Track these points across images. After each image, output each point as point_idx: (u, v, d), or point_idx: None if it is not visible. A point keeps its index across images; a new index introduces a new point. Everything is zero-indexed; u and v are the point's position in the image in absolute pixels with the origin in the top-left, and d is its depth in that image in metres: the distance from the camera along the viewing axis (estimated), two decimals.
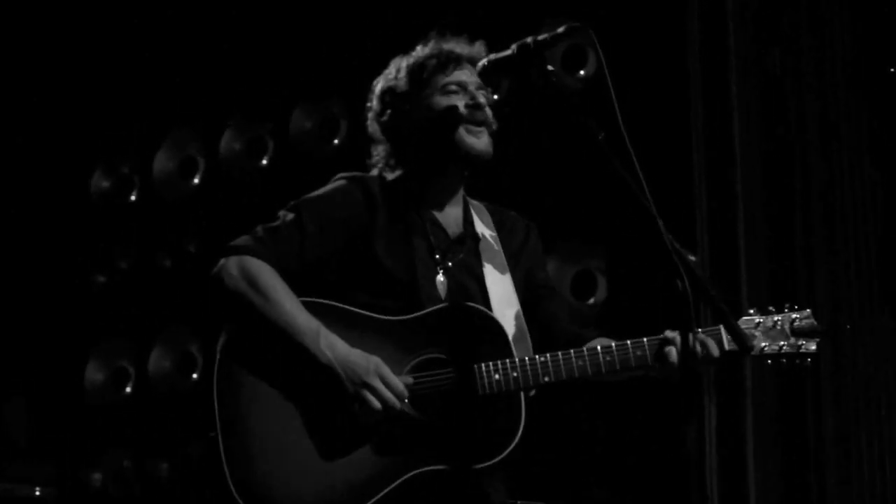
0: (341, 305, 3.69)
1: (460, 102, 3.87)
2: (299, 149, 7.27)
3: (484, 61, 3.62)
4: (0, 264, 8.11)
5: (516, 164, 6.34)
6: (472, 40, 3.98)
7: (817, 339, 3.70)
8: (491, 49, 3.66)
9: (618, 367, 3.68)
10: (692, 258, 3.41)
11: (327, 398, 3.58)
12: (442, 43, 3.96)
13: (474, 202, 4.07)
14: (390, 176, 3.94)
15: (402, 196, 3.88)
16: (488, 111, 3.92)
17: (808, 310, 3.75)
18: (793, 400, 5.72)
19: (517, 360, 3.63)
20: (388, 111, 3.95)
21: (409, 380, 3.60)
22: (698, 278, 3.17)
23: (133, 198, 8.07)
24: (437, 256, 3.83)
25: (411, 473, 3.52)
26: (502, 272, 3.90)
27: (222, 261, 3.70)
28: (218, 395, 3.60)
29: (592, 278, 6.20)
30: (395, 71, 3.97)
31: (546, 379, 3.63)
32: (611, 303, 6.10)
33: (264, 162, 7.46)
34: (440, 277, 3.80)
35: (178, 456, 7.50)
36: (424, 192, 3.92)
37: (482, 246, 3.92)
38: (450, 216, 3.94)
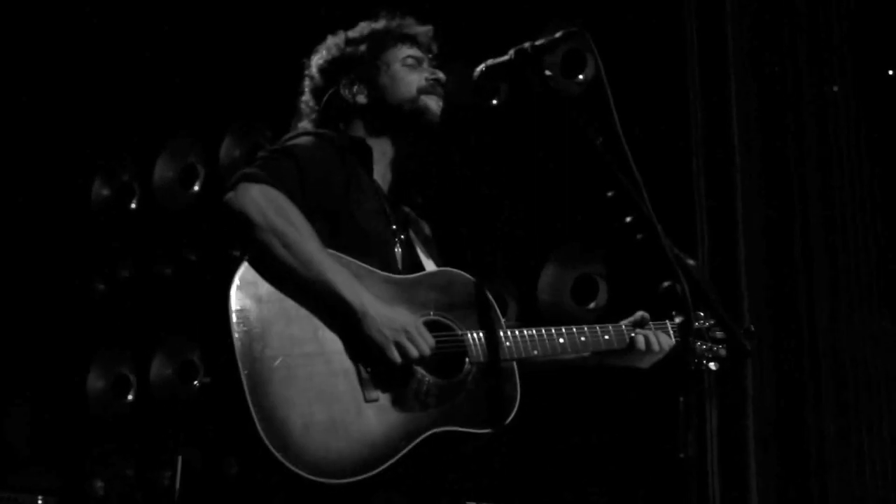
0: (347, 258, 3.58)
1: (421, 75, 3.96)
2: None
3: (482, 66, 3.63)
4: (1, 272, 8.11)
5: (515, 168, 6.35)
6: (421, 22, 4.06)
7: (724, 346, 3.97)
8: (485, 55, 3.67)
9: (602, 346, 3.84)
10: (691, 262, 3.42)
11: (354, 344, 3.47)
12: (399, 19, 4.04)
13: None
14: (340, 141, 3.86)
15: (360, 161, 3.87)
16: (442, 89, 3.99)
17: (713, 319, 3.97)
18: (794, 403, 5.72)
19: (509, 330, 3.71)
20: (342, 79, 3.96)
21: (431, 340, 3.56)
22: (697, 283, 3.18)
23: (133, 206, 8.07)
24: (394, 227, 3.87)
25: (429, 432, 3.49)
26: (427, 257, 3.93)
27: (240, 186, 3.50)
28: (237, 333, 3.35)
29: (593, 283, 6.21)
30: (345, 41, 4.01)
31: (535, 352, 3.72)
32: (611, 308, 6.09)
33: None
34: (397, 249, 3.83)
35: (180, 464, 7.50)
36: (375, 161, 3.93)
37: (410, 225, 3.99)
38: (392, 191, 3.99)
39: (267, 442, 3.29)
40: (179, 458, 6.77)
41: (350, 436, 3.39)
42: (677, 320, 3.88)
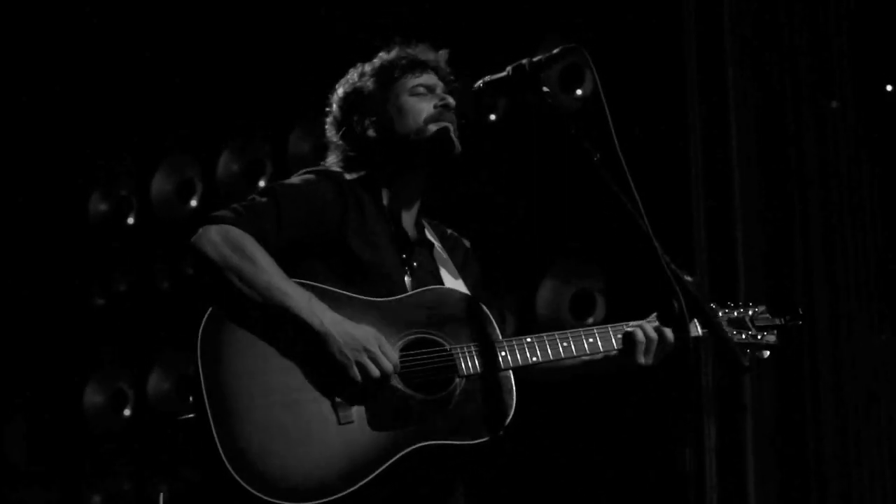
0: (324, 286, 3.59)
1: (429, 103, 3.88)
2: (297, 170, 7.27)
3: (480, 82, 3.63)
4: (0, 286, 8.12)
5: (513, 183, 6.36)
6: (436, 48, 4.01)
7: (775, 332, 3.81)
8: (484, 67, 3.67)
9: (600, 348, 3.75)
10: (689, 278, 3.42)
11: (320, 366, 3.47)
12: (407, 48, 3.98)
13: (424, 217, 4.06)
14: (350, 175, 3.88)
15: (367, 195, 3.85)
16: (454, 116, 3.91)
17: (763, 305, 3.85)
18: (793, 416, 5.71)
19: (504, 340, 3.66)
20: (355, 113, 3.94)
21: (397, 354, 3.55)
22: (695, 298, 3.18)
23: (131, 220, 8.08)
24: (404, 256, 3.83)
25: (411, 448, 3.47)
26: (455, 277, 3.91)
27: (201, 230, 3.56)
28: (203, 371, 3.46)
29: (591, 298, 6.21)
30: (359, 75, 3.98)
31: (534, 359, 3.67)
32: (609, 323, 6.09)
33: (262, 184, 7.47)
34: (407, 277, 3.78)
35: (178, 479, 7.49)
36: (388, 192, 3.91)
37: (434, 253, 3.94)
38: (408, 220, 3.93)
39: (233, 472, 3.34)
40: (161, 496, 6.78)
41: (324, 458, 3.40)
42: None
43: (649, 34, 6.06)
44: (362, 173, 3.89)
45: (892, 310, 5.77)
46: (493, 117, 6.46)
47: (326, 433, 3.42)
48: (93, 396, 7.90)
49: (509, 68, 3.48)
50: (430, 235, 3.99)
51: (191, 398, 3.52)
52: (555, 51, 3.40)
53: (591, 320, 6.19)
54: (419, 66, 3.93)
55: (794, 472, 5.70)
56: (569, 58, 3.42)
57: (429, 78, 3.93)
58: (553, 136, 3.45)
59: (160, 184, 7.86)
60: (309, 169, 3.90)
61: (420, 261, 3.86)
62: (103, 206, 8.17)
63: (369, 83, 3.93)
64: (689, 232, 5.78)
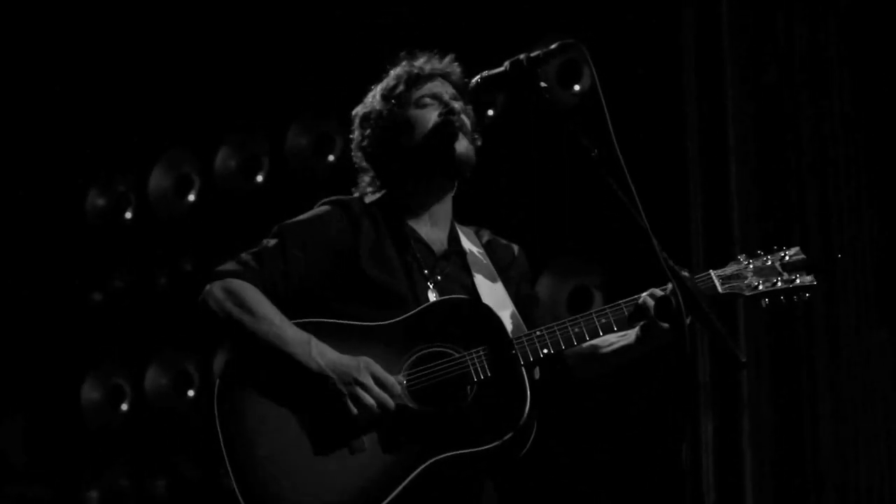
0: (329, 320, 3.70)
1: (434, 112, 3.87)
2: (295, 166, 7.28)
3: (477, 78, 3.62)
4: None
5: (511, 179, 6.36)
6: (442, 55, 4.00)
7: (809, 272, 3.67)
8: (483, 65, 3.66)
9: (614, 328, 3.65)
10: (686, 274, 3.42)
11: (325, 405, 3.57)
12: (412, 61, 3.98)
13: (462, 226, 4.06)
14: (371, 198, 3.95)
15: (386, 215, 3.89)
16: (465, 118, 3.89)
17: (796, 247, 3.73)
18: (790, 413, 5.71)
19: (513, 338, 3.63)
20: (368, 135, 3.97)
21: (402, 378, 3.60)
22: (692, 294, 3.17)
23: (129, 216, 8.07)
24: (426, 272, 3.83)
25: (425, 465, 3.49)
26: (493, 281, 3.90)
27: (207, 287, 3.72)
28: (220, 422, 3.62)
29: (588, 294, 6.21)
30: (371, 97, 4.00)
31: (546, 351, 3.61)
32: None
33: (259, 179, 7.47)
34: (431, 294, 3.79)
35: (176, 474, 7.49)
36: (408, 209, 3.92)
37: (470, 259, 3.92)
38: (433, 234, 3.93)
39: None
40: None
41: (342, 490, 3.51)
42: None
43: (648, 31, 6.06)
44: (382, 194, 3.95)
45: (889, 307, 5.77)
46: (490, 113, 6.45)
47: (342, 466, 3.53)
48: (90, 392, 7.89)
49: (507, 63, 3.47)
50: (466, 242, 3.97)
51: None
52: (552, 46, 3.40)
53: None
54: (423, 77, 3.92)
55: (791, 469, 5.70)
56: (567, 53, 3.41)
57: (434, 86, 3.92)
58: (551, 132, 3.45)
59: (158, 179, 7.86)
60: (326, 200, 3.94)
61: (448, 272, 3.86)
62: (101, 202, 8.16)
63: (378, 103, 3.95)
64: (686, 228, 5.78)
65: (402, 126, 3.88)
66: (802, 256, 3.70)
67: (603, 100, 3.23)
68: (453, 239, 3.96)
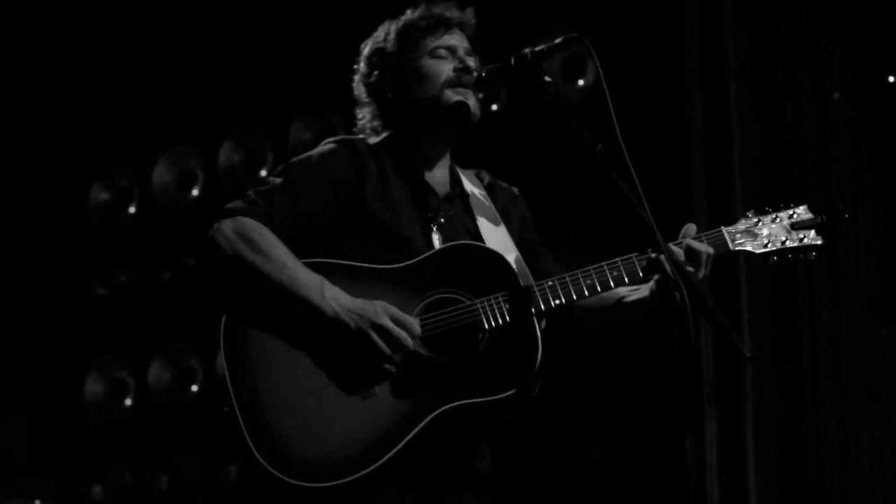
0: (340, 261, 3.61)
1: (448, 66, 3.81)
2: None
3: (482, 71, 3.61)
4: (0, 277, 8.12)
5: (514, 173, 6.35)
6: (462, 6, 3.96)
7: (816, 231, 3.70)
8: (486, 62, 3.66)
9: (626, 280, 3.60)
10: (691, 269, 3.41)
11: (339, 350, 3.49)
12: (432, 7, 3.91)
13: (463, 169, 4.01)
14: (374, 139, 3.88)
15: (389, 157, 3.83)
16: (475, 76, 3.82)
17: (804, 205, 3.74)
18: (793, 409, 5.71)
19: (524, 287, 3.58)
20: (376, 72, 3.90)
21: (417, 321, 3.52)
22: (697, 290, 3.17)
23: (132, 210, 8.07)
24: (430, 215, 3.78)
25: (437, 412, 3.43)
26: (496, 224, 3.86)
27: (215, 224, 3.60)
28: (228, 367, 3.49)
29: None
30: (384, 33, 3.93)
31: (557, 302, 3.57)
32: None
33: (263, 174, 7.47)
34: (435, 235, 3.73)
35: (179, 469, 7.50)
36: (411, 153, 3.87)
37: (472, 202, 3.88)
38: (436, 177, 3.88)
39: (268, 467, 3.39)
40: None
41: (353, 435, 3.42)
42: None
43: (652, 27, 6.05)
44: (385, 135, 3.88)
45: (892, 304, 5.77)
46: (494, 107, 6.45)
47: (352, 411, 3.44)
48: (94, 387, 7.90)
49: (511, 57, 3.47)
50: (468, 184, 3.92)
51: (220, 395, 3.55)
52: (557, 40, 3.40)
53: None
54: (441, 26, 3.86)
55: (794, 464, 5.70)
56: (571, 47, 3.41)
57: (450, 38, 3.86)
58: (555, 127, 3.44)
59: (161, 174, 7.86)
60: (331, 139, 3.87)
61: (451, 215, 3.80)
62: (104, 197, 8.16)
63: (391, 43, 3.88)
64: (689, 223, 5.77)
65: (413, 73, 3.83)
66: (810, 215, 3.71)
67: (607, 93, 3.23)
68: (455, 181, 3.91)
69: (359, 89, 3.97)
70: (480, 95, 3.85)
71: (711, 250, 3.63)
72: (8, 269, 8.12)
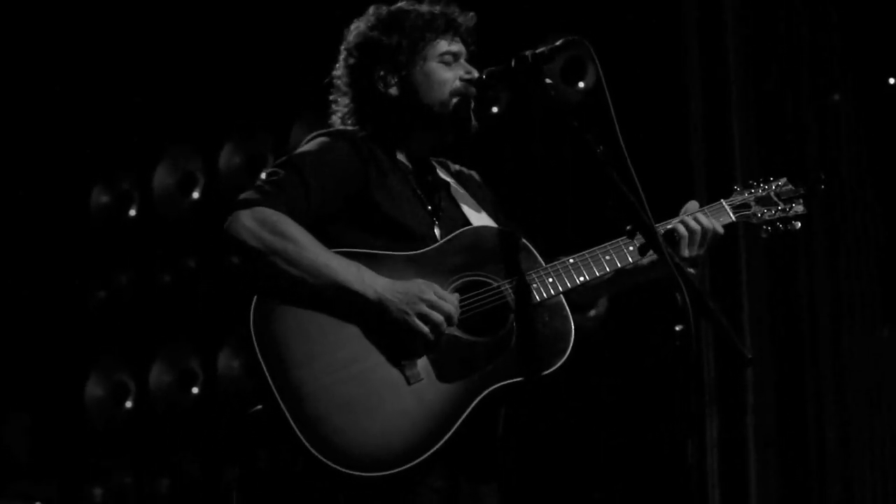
0: (361, 250, 3.51)
1: (454, 73, 3.75)
2: None
3: (482, 73, 3.61)
4: (1, 279, 8.11)
5: (514, 175, 6.36)
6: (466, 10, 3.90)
7: (802, 201, 3.84)
8: (489, 62, 3.66)
9: (637, 255, 3.63)
10: (692, 271, 3.41)
11: (382, 334, 3.41)
12: (443, 7, 3.81)
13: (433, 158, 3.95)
14: (363, 132, 3.76)
15: (381, 149, 3.74)
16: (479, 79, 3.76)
17: (784, 177, 3.86)
18: (794, 410, 5.72)
19: (548, 266, 3.60)
20: (376, 67, 3.78)
21: (456, 297, 3.48)
22: (697, 291, 3.17)
23: (133, 213, 8.07)
24: (429, 207, 3.73)
25: (484, 394, 3.40)
26: (478, 211, 3.83)
27: (232, 216, 3.44)
28: (266, 362, 3.33)
29: None
30: (384, 25, 3.79)
31: (582, 279, 3.59)
32: (611, 314, 6.08)
33: (264, 177, 7.45)
34: (437, 229, 3.68)
35: (179, 472, 7.50)
36: (397, 145, 3.79)
37: (451, 191, 3.84)
38: (422, 168, 3.83)
39: (321, 457, 3.29)
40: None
41: (403, 422, 3.36)
42: (678, 328, 3.79)
43: (651, 29, 6.05)
44: (375, 128, 3.79)
45: (893, 305, 5.77)
46: (495, 109, 6.45)
47: (399, 397, 3.37)
48: (94, 389, 7.90)
49: (512, 59, 3.47)
50: (442, 174, 3.89)
51: (256, 391, 3.44)
52: (558, 42, 3.40)
53: (592, 313, 6.17)
54: (452, 30, 3.77)
55: (795, 465, 5.71)
56: (572, 49, 3.41)
57: (456, 45, 3.78)
58: (555, 129, 3.43)
59: (162, 177, 7.86)
60: (320, 132, 3.78)
61: (444, 206, 3.77)
62: (105, 199, 8.16)
63: (396, 37, 3.75)
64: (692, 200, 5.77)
65: (421, 76, 3.75)
66: (791, 186, 3.84)
67: (609, 96, 3.23)
68: (434, 172, 3.87)
69: (343, 77, 3.87)
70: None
71: (719, 227, 3.71)
72: (9, 271, 8.12)
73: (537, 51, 3.43)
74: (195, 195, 7.77)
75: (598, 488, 6.02)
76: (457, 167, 4.00)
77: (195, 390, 7.54)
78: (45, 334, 7.99)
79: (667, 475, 5.68)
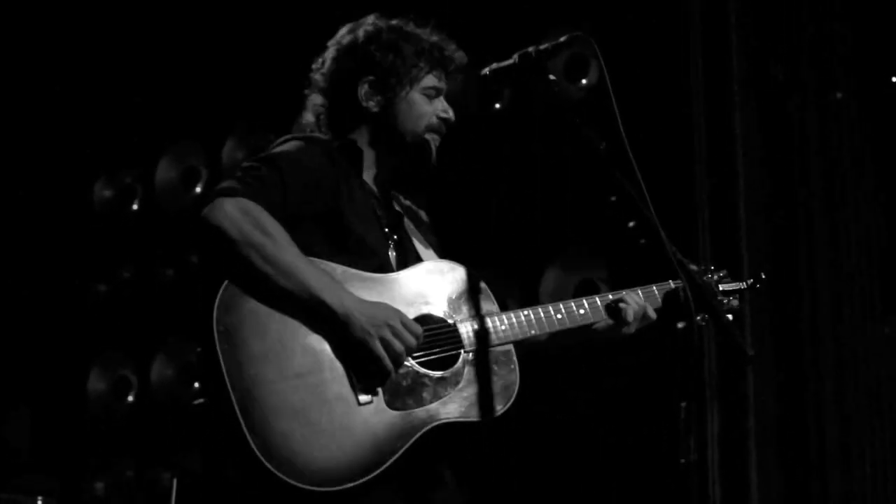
0: (331, 263, 3.51)
1: (433, 108, 3.85)
2: None
3: (486, 70, 3.62)
4: (2, 274, 8.12)
5: (518, 172, 6.36)
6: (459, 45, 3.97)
7: (737, 297, 3.98)
8: (493, 58, 3.67)
9: (591, 318, 3.81)
10: (694, 268, 3.43)
11: (343, 347, 3.40)
12: (445, 40, 3.89)
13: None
14: (336, 141, 3.80)
15: (350, 164, 3.78)
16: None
17: (724, 269, 4.02)
18: (795, 407, 5.72)
19: (504, 314, 3.67)
20: (362, 79, 3.82)
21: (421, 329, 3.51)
22: (700, 288, 3.18)
23: (135, 207, 8.08)
24: (387, 230, 3.78)
25: (427, 428, 3.44)
26: (426, 247, 3.89)
27: (214, 202, 3.39)
28: (223, 354, 3.28)
29: (595, 288, 6.21)
30: (379, 43, 3.84)
31: (532, 332, 3.70)
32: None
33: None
34: (391, 252, 3.74)
35: (181, 466, 7.50)
36: (365, 164, 3.84)
37: (405, 224, 3.90)
38: (383, 193, 3.89)
39: (262, 458, 3.24)
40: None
41: (345, 441, 3.34)
42: (680, 324, 3.83)
43: (654, 27, 6.05)
44: (347, 140, 3.82)
45: (895, 301, 5.78)
46: (497, 106, 6.45)
47: (347, 416, 3.36)
48: (96, 383, 7.90)
49: (516, 56, 3.48)
50: (397, 207, 3.95)
51: (200, 383, 3.46)
52: (561, 39, 3.40)
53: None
54: (442, 66, 3.86)
55: (796, 462, 5.71)
56: (575, 46, 3.42)
57: (443, 81, 3.88)
58: (558, 125, 3.44)
59: (165, 171, 7.86)
60: (297, 135, 3.80)
61: (400, 234, 3.82)
62: (107, 193, 8.17)
63: (391, 58, 3.81)
64: (693, 223, 5.78)
65: (403, 103, 3.82)
66: (731, 280, 4.03)
67: (612, 93, 3.24)
68: (392, 199, 3.94)
69: (325, 76, 3.89)
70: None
71: (651, 311, 3.89)
72: (11, 266, 8.12)
73: (541, 47, 3.44)
74: (198, 189, 7.77)
75: (598, 486, 6.02)
76: (408, 202, 4.05)
77: (197, 385, 7.54)
78: (47, 329, 7.99)
79: (667, 473, 5.69)
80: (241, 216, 3.37)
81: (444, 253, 3.94)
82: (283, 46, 7.27)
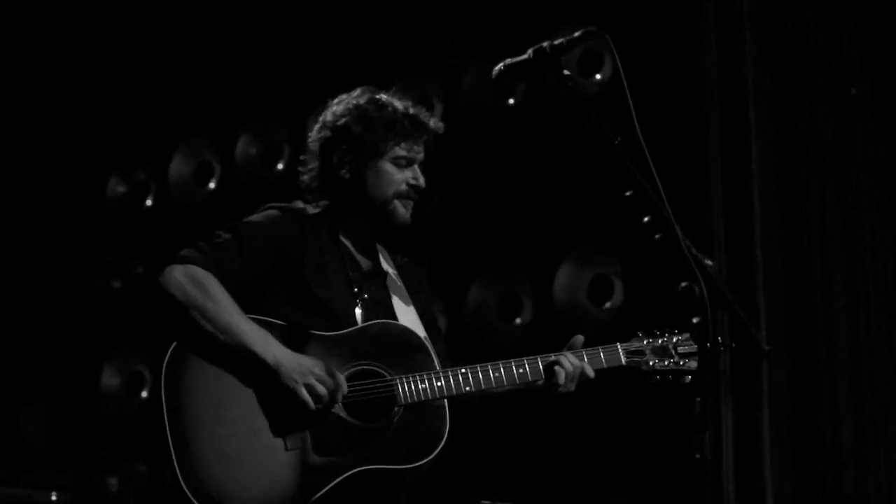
0: (277, 321, 3.89)
1: (403, 176, 4.09)
2: None
3: (500, 65, 3.63)
4: (16, 270, 8.13)
5: (533, 168, 6.35)
6: (431, 107, 4.16)
7: (696, 359, 3.97)
8: (506, 54, 3.66)
9: (529, 377, 4.00)
10: (709, 263, 3.41)
11: (274, 397, 3.77)
12: (407, 106, 4.13)
13: (381, 247, 4.32)
14: (312, 210, 4.14)
15: (326, 229, 4.11)
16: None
17: (686, 333, 4.10)
18: (809, 403, 5.71)
19: (440, 371, 3.91)
20: (336, 149, 4.12)
21: (343, 379, 3.83)
22: (715, 283, 3.17)
23: (149, 203, 8.09)
24: (356, 290, 4.07)
25: (350, 472, 3.75)
26: (406, 304, 4.18)
27: (167, 269, 3.87)
28: (166, 402, 3.76)
29: (609, 283, 6.21)
30: (354, 117, 4.11)
31: (468, 389, 3.92)
32: (627, 308, 6.09)
33: (280, 167, 7.48)
34: (358, 310, 4.02)
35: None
36: (344, 227, 4.16)
37: (388, 281, 4.19)
38: (363, 253, 4.20)
39: (187, 491, 3.68)
40: None
41: (273, 483, 3.74)
42: (695, 320, 3.82)
43: (667, 23, 6.04)
44: (324, 207, 4.14)
45: None
46: (511, 101, 6.46)
47: (276, 460, 3.74)
48: (110, 379, 7.92)
49: (530, 51, 3.47)
50: (385, 264, 4.24)
51: (151, 427, 3.82)
52: (576, 34, 3.40)
53: (608, 305, 6.19)
54: (416, 134, 4.09)
55: (810, 458, 5.70)
56: (590, 41, 3.42)
57: (415, 150, 4.11)
58: (573, 121, 3.44)
59: (178, 167, 7.87)
60: (273, 205, 4.13)
61: (372, 292, 4.12)
62: (121, 189, 8.18)
63: (361, 129, 4.07)
64: (707, 219, 5.77)
65: (371, 171, 4.07)
66: (691, 343, 4.10)
67: (627, 88, 3.24)
68: (376, 259, 4.22)
69: (314, 144, 4.20)
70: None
71: (589, 370, 4.06)
72: (25, 262, 8.14)
73: (556, 42, 3.43)
74: (212, 185, 7.78)
75: (613, 482, 6.01)
76: (405, 260, 4.38)
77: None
78: (60, 325, 8.01)
79: (682, 469, 5.68)
80: (187, 281, 3.83)
81: (430, 311, 4.31)
82: (295, 41, 7.29)
